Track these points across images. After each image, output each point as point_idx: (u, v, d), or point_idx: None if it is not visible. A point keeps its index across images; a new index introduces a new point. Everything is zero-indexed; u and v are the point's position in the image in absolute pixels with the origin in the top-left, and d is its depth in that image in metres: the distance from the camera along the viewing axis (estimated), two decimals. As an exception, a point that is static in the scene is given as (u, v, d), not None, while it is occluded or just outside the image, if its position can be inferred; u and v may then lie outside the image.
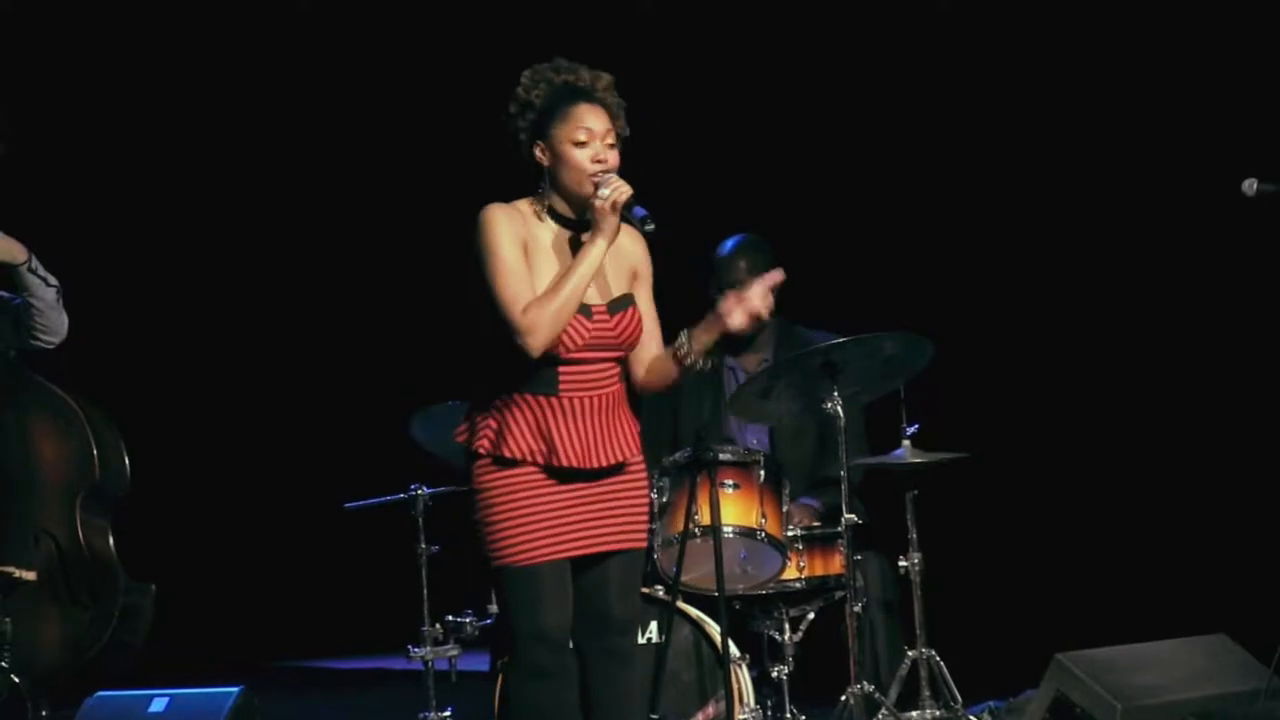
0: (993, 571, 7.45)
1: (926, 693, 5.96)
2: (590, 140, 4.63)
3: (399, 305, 9.44)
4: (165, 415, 9.05)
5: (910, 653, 5.99)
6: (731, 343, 6.51)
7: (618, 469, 4.68)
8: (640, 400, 4.92)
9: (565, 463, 4.60)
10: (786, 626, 6.05)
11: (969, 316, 7.51)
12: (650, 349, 4.75)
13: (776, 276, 4.72)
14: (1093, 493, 7.50)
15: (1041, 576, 7.46)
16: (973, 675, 6.11)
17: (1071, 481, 7.54)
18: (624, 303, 4.69)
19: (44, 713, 5.74)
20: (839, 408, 5.86)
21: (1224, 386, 7.27)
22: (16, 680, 5.65)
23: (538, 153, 4.67)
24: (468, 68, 8.39)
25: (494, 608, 5.98)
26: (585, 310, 4.61)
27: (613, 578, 4.69)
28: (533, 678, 4.62)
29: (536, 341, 4.55)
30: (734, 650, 5.76)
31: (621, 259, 4.72)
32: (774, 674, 5.98)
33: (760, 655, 6.11)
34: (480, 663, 6.62)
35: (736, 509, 5.81)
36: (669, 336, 4.75)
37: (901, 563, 6.01)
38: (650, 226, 4.60)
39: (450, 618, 6.31)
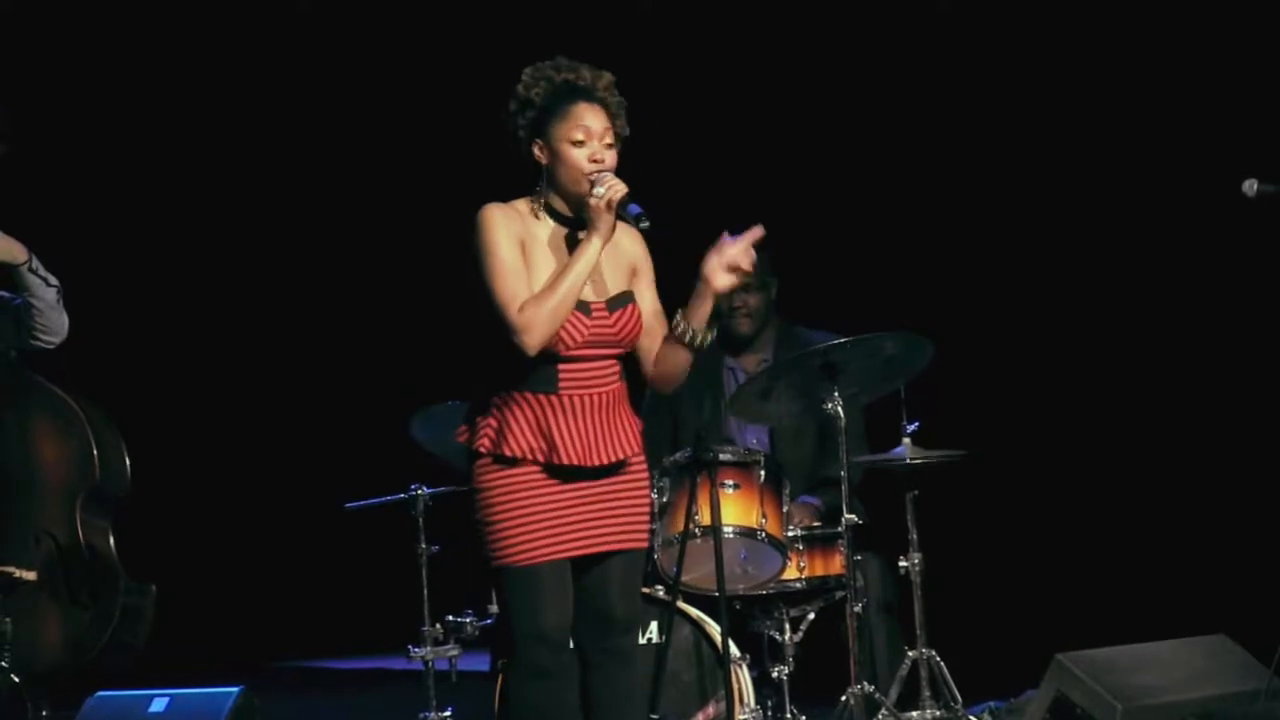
0: (993, 571, 7.45)
1: (927, 693, 5.96)
2: (588, 140, 4.63)
3: (399, 305, 9.44)
4: (166, 416, 9.05)
5: (910, 653, 5.99)
6: (731, 343, 6.52)
7: (619, 467, 4.68)
8: (640, 401, 4.92)
9: (566, 460, 4.60)
10: (787, 627, 6.05)
11: (969, 316, 7.50)
12: (657, 342, 4.74)
13: (756, 232, 4.69)
14: (1092, 493, 7.50)
15: (1041, 576, 7.46)
16: (973, 675, 6.11)
17: (1072, 481, 7.54)
18: (623, 300, 4.70)
19: (44, 713, 5.74)
20: (839, 408, 5.86)
21: (1224, 387, 7.27)
22: (17, 680, 5.65)
23: (536, 151, 4.67)
24: (468, 67, 8.38)
25: (494, 608, 5.98)
26: (584, 308, 4.61)
27: (614, 578, 4.69)
28: (532, 678, 4.62)
29: (532, 340, 4.55)
30: (734, 650, 5.76)
31: (620, 257, 4.73)
32: (774, 674, 5.98)
33: (760, 655, 6.11)
34: (480, 663, 6.62)
35: (737, 509, 5.81)
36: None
37: (902, 563, 6.01)
38: (645, 224, 4.60)
39: (450, 618, 6.30)
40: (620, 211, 4.60)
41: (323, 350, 9.76)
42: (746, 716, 5.76)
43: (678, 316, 4.67)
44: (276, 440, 9.69)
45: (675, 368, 4.72)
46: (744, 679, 5.80)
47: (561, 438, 4.60)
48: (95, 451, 5.86)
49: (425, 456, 6.46)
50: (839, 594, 5.99)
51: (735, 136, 8.16)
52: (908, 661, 5.99)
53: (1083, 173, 7.58)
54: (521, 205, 4.69)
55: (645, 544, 4.77)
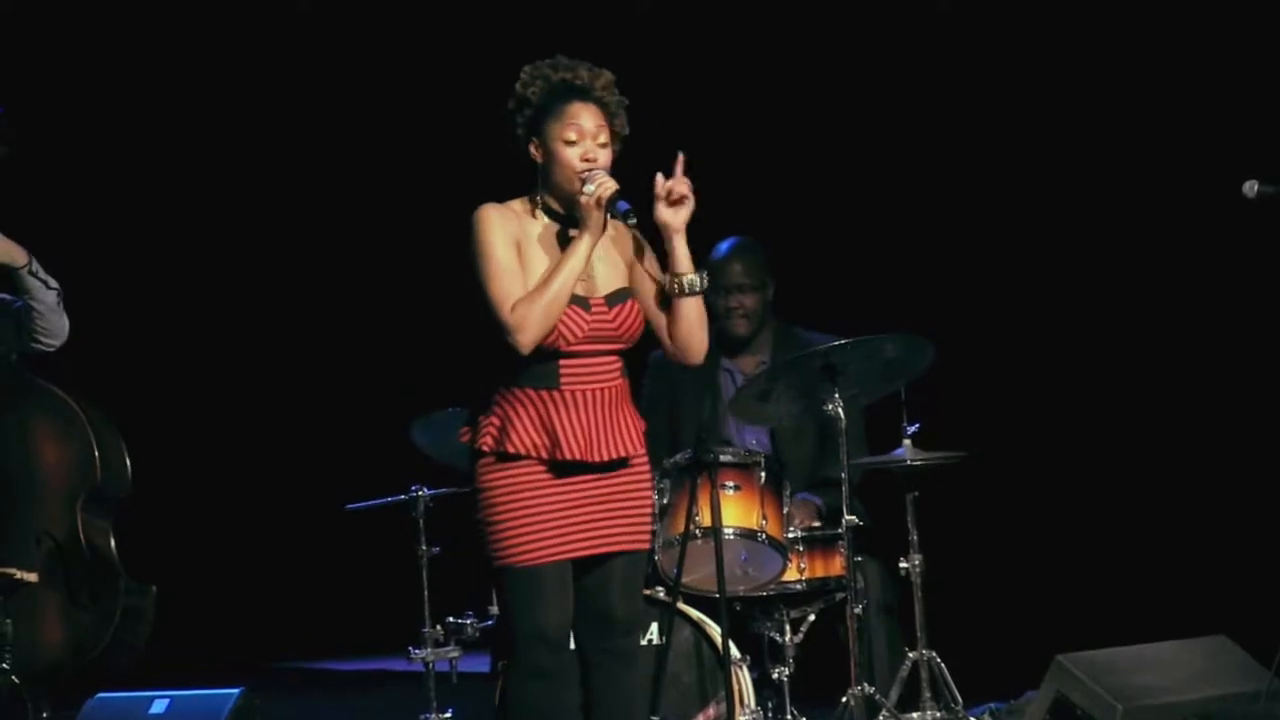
0: (993, 573, 7.45)
1: (927, 694, 5.96)
2: (580, 139, 4.64)
3: (400, 306, 9.44)
4: (166, 417, 9.04)
5: (911, 654, 5.98)
6: (728, 344, 6.51)
7: (621, 464, 4.68)
8: (639, 402, 4.93)
9: (568, 455, 4.60)
10: (787, 628, 6.05)
11: (969, 318, 7.50)
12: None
13: (680, 159, 4.66)
14: (1093, 494, 7.50)
15: (1042, 577, 7.46)
16: (973, 677, 6.11)
17: (1072, 482, 7.54)
18: (622, 295, 4.70)
19: (45, 714, 5.74)
20: (839, 409, 5.86)
21: (1224, 387, 7.27)
22: (17, 681, 5.65)
23: (532, 149, 4.69)
24: (468, 68, 8.38)
25: (495, 609, 5.98)
26: (583, 304, 4.62)
27: (615, 578, 4.69)
28: (532, 678, 4.62)
29: (526, 338, 4.56)
30: (735, 652, 5.76)
31: (618, 253, 4.74)
32: (775, 675, 5.98)
33: (761, 657, 6.11)
34: (481, 664, 6.62)
35: (737, 510, 5.81)
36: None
37: (902, 564, 6.00)
38: (633, 221, 4.62)
39: (451, 619, 6.30)
40: (610, 209, 4.61)
41: (323, 351, 9.76)
42: (747, 718, 5.76)
43: (664, 278, 4.68)
44: (277, 441, 9.69)
45: (690, 324, 4.69)
46: (744, 680, 5.80)
47: (564, 432, 4.60)
48: (96, 453, 5.86)
49: (426, 459, 6.46)
50: (839, 595, 5.98)
51: (735, 136, 8.16)
52: (908, 663, 5.98)
53: (1083, 174, 7.58)
54: (518, 205, 4.70)
55: (647, 545, 4.77)
